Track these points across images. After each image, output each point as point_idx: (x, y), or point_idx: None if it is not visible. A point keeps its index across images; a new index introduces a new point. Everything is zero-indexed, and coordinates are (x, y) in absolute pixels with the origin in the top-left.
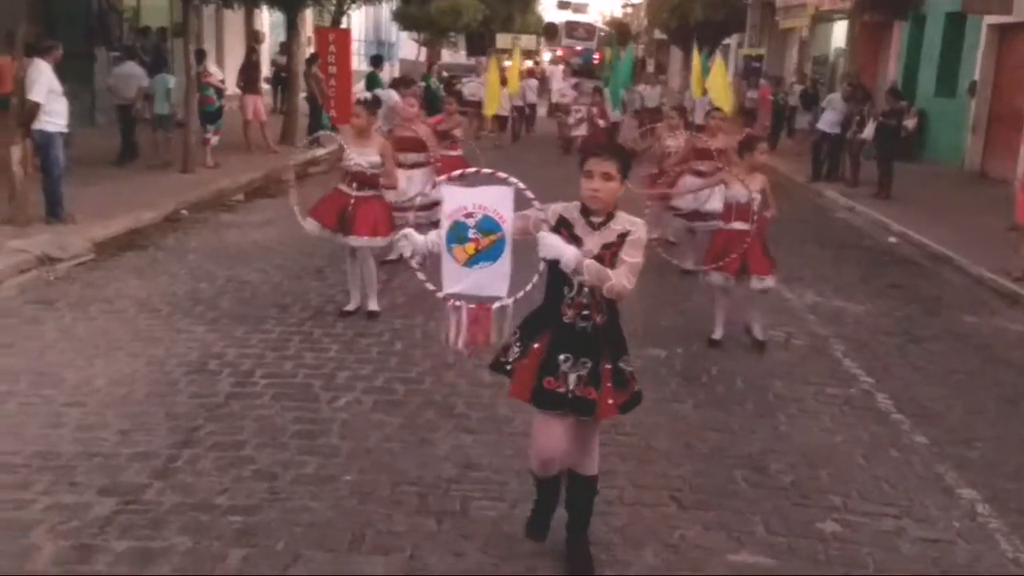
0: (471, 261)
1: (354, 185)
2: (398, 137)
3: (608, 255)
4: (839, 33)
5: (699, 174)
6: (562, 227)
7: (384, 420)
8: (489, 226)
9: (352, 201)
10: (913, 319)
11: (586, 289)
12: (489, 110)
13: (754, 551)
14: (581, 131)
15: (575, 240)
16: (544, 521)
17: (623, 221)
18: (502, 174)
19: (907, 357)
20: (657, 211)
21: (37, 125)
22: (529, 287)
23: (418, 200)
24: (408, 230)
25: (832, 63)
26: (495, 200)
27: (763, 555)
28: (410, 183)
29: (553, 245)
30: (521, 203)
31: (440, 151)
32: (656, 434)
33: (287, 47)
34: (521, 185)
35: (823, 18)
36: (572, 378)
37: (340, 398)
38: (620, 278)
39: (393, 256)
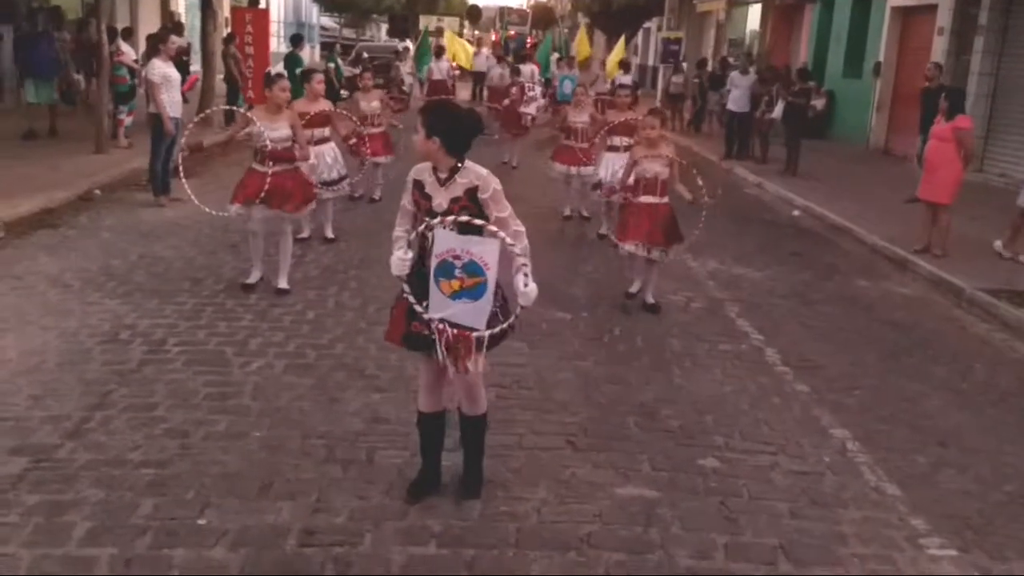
0: (455, 295)
1: (269, 163)
2: (303, 113)
3: (456, 208)
4: (754, 16)
5: (614, 149)
6: (415, 188)
7: (295, 382)
8: (474, 270)
9: (269, 178)
10: (807, 284)
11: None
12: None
13: (638, 485)
14: (531, 110)
15: (426, 198)
16: (432, 465)
17: (469, 175)
18: (492, 228)
19: (797, 317)
20: (574, 189)
21: None
22: (506, 325)
23: (325, 175)
24: (396, 256)
25: (748, 45)
26: (481, 249)
27: (647, 488)
28: (319, 158)
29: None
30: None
31: (364, 128)
32: (557, 388)
33: (203, 27)
34: (509, 241)
35: (739, 1)
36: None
37: (252, 363)
38: (519, 240)
39: (304, 234)
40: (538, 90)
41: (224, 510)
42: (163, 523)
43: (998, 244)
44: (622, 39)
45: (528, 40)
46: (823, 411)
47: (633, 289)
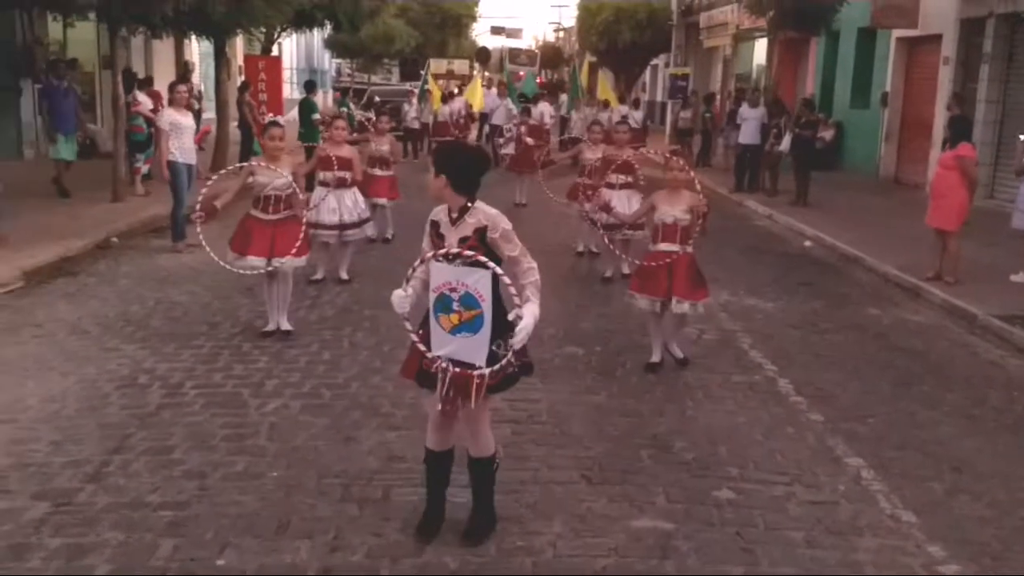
0: (455, 330)
1: (270, 209)
2: (325, 156)
3: (464, 248)
4: (760, 50)
5: (611, 186)
6: (432, 229)
7: (311, 422)
8: (470, 302)
9: (273, 225)
10: (818, 313)
11: None
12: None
13: (654, 517)
14: (509, 149)
15: (440, 238)
16: (438, 502)
17: (478, 215)
18: (482, 258)
19: (810, 347)
20: (587, 226)
21: None
22: (504, 361)
23: (346, 218)
24: (395, 293)
25: (755, 80)
26: (475, 280)
27: (662, 520)
28: (340, 201)
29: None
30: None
31: (374, 171)
32: (570, 422)
33: (216, 75)
34: (499, 270)
35: (744, 37)
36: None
37: (268, 404)
38: (530, 275)
39: (319, 276)
40: (514, 131)
41: (242, 550)
42: (182, 564)
43: (1017, 277)
44: (599, 74)
45: (538, 80)
46: (837, 440)
47: (654, 359)
